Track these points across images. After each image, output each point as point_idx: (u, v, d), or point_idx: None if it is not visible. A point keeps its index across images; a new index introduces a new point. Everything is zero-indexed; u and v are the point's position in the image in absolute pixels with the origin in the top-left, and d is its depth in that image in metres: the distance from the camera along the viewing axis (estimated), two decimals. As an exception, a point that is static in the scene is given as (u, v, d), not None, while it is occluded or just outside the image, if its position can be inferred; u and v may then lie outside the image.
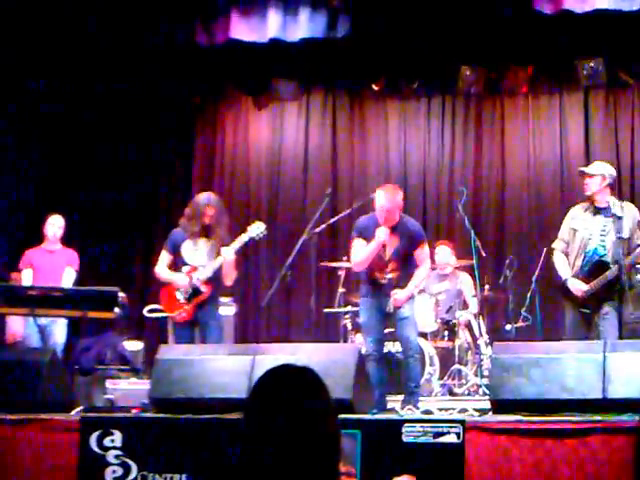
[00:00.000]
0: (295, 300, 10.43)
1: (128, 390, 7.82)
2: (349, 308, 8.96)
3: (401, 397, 6.96)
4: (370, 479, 4.92)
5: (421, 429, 4.96)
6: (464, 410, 5.81)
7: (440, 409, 6.25)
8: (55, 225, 8.66)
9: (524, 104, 10.85)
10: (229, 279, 7.40)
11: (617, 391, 5.10)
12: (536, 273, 8.65)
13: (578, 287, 6.88)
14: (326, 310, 9.37)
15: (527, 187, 10.74)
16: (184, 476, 5.25)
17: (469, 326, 9.04)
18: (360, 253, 7.02)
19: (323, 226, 7.71)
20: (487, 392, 7.09)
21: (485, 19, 9.43)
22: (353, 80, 10.99)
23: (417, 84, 10.85)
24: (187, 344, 7.05)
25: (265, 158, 11.44)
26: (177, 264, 7.37)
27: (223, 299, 8.20)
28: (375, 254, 6.93)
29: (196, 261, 7.32)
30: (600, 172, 7.07)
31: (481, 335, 8.85)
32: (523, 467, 4.80)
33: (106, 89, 10.41)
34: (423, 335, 8.47)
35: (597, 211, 7.01)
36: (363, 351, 6.56)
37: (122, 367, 8.57)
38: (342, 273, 9.07)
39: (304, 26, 9.49)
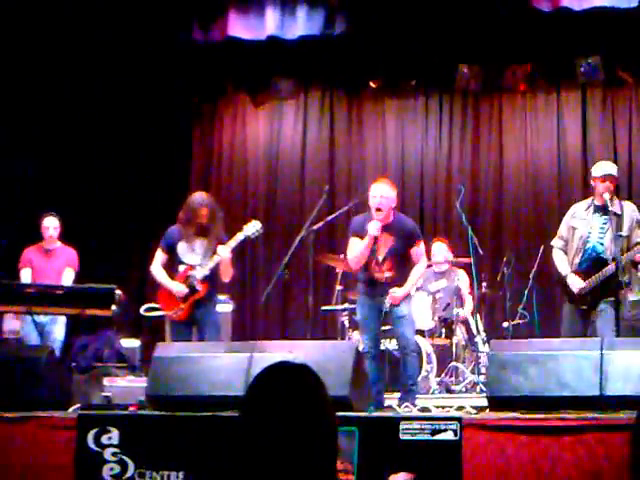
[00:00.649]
0: (293, 297, 10.45)
1: (125, 388, 7.81)
2: (346, 305, 8.97)
3: (398, 394, 6.96)
4: (367, 476, 4.92)
5: (418, 426, 4.96)
6: (461, 407, 5.81)
7: (437, 406, 6.26)
8: (50, 227, 8.67)
9: (522, 102, 10.87)
10: (226, 276, 7.40)
11: (614, 388, 5.10)
12: (533, 270, 8.67)
13: (576, 284, 6.89)
14: (324, 307, 9.38)
15: (524, 185, 10.76)
16: (181, 473, 5.25)
17: (466, 323, 9.05)
18: (354, 250, 7.03)
19: (320, 224, 7.71)
20: (484, 389, 7.08)
21: (482, 17, 9.44)
22: (351, 78, 10.99)
23: (415, 82, 10.87)
24: (184, 342, 7.05)
25: (263, 156, 11.44)
26: (173, 263, 7.36)
27: (220, 297, 8.20)
28: (369, 249, 6.93)
29: (192, 260, 7.32)
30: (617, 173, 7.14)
31: (478, 332, 8.85)
32: (520, 464, 4.80)
33: (104, 87, 10.40)
34: (420, 333, 8.47)
35: (597, 209, 7.02)
36: (360, 348, 6.56)
37: (119, 365, 8.57)
38: (339, 270, 9.08)
39: (302, 24, 9.51)
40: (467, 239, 8.45)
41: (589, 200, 7.14)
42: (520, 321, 8.75)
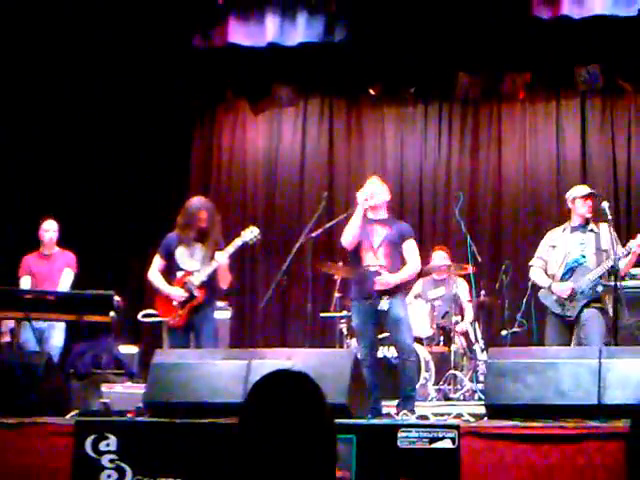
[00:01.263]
0: (291, 304, 10.43)
1: (123, 394, 7.79)
2: (345, 313, 8.95)
3: (396, 402, 6.95)
4: (365, 484, 4.91)
5: (416, 434, 4.96)
6: (459, 415, 5.81)
7: (435, 414, 6.25)
8: (50, 230, 8.66)
9: (521, 110, 10.87)
10: (224, 282, 7.39)
11: (612, 397, 5.11)
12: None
13: (564, 287, 6.97)
14: (322, 314, 9.37)
15: (523, 193, 10.76)
16: (179, 480, 5.24)
17: (465, 331, 9.04)
18: (347, 227, 7.06)
19: (319, 230, 7.70)
20: (482, 397, 7.08)
21: (482, 24, 9.44)
22: (350, 85, 11.00)
23: (414, 89, 10.87)
24: (182, 348, 7.04)
25: (262, 162, 11.45)
26: (171, 269, 7.35)
27: (219, 303, 8.19)
28: (361, 220, 6.98)
29: (190, 266, 7.31)
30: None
31: (477, 340, 8.85)
32: (518, 472, 4.80)
33: (104, 92, 10.40)
34: (419, 340, 8.46)
35: (574, 229, 7.21)
36: (359, 356, 6.55)
37: (117, 371, 8.55)
38: (338, 278, 9.07)
39: (302, 31, 9.51)
40: (466, 247, 8.45)
41: (564, 225, 7.32)
42: (518, 329, 8.72)
